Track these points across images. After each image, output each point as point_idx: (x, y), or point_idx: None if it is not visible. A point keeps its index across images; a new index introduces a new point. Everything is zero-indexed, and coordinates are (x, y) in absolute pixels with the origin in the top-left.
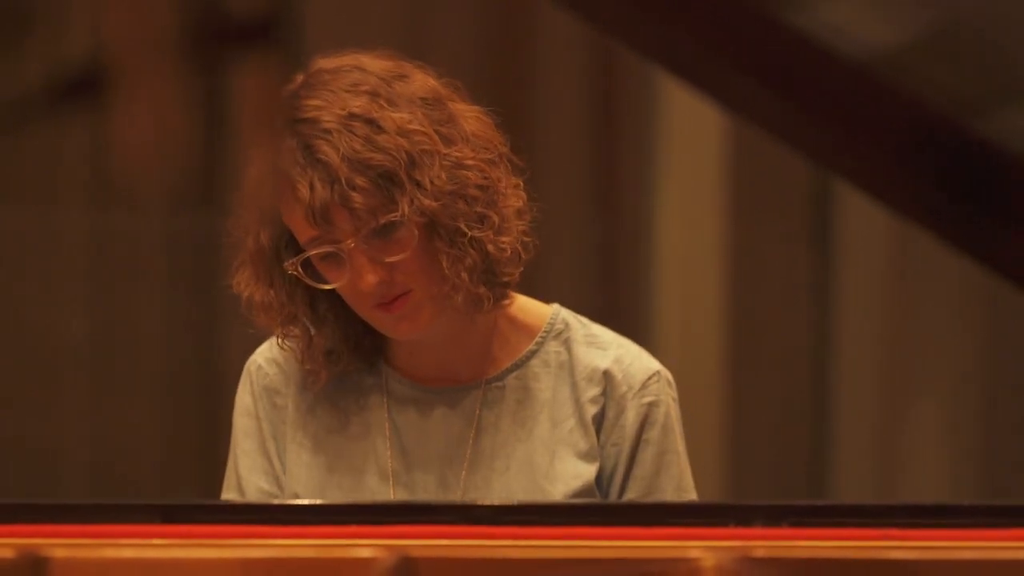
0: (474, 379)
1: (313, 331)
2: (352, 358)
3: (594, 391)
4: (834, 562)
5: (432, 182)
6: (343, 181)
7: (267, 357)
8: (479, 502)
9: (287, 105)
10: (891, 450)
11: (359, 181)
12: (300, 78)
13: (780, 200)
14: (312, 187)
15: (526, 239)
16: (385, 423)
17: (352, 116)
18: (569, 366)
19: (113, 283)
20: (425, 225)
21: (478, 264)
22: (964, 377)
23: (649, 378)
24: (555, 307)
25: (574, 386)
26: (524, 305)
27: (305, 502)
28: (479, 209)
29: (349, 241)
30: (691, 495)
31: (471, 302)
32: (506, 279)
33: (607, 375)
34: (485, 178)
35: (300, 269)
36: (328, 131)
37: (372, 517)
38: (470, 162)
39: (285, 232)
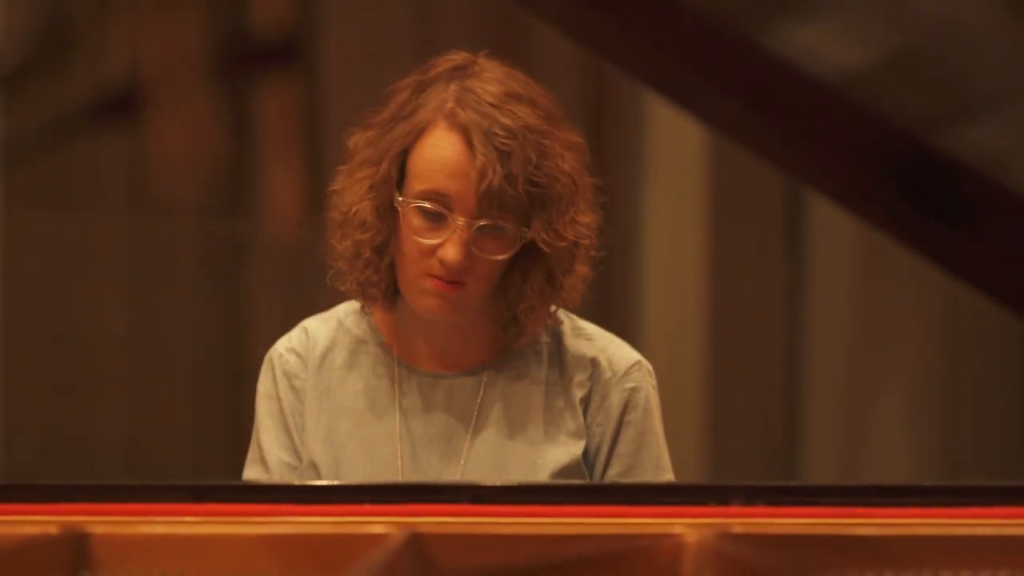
0: (475, 366)
1: (376, 260)
2: (374, 299)
3: (582, 376)
4: (805, 538)
5: (560, 230)
6: (515, 179)
7: (287, 347)
8: (483, 483)
9: (460, 66)
10: (858, 435)
11: (521, 188)
12: (466, 55)
13: (757, 208)
14: (493, 168)
15: (579, 293)
16: (394, 405)
17: (529, 129)
18: (559, 354)
19: (149, 284)
20: (528, 250)
21: (541, 305)
22: (925, 368)
23: (631, 366)
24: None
25: (564, 371)
26: None
27: (323, 483)
28: (576, 265)
29: (465, 219)
30: (668, 473)
31: (510, 324)
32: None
33: (594, 362)
34: (590, 240)
35: (408, 209)
36: (513, 132)
37: (385, 497)
38: (587, 221)
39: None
